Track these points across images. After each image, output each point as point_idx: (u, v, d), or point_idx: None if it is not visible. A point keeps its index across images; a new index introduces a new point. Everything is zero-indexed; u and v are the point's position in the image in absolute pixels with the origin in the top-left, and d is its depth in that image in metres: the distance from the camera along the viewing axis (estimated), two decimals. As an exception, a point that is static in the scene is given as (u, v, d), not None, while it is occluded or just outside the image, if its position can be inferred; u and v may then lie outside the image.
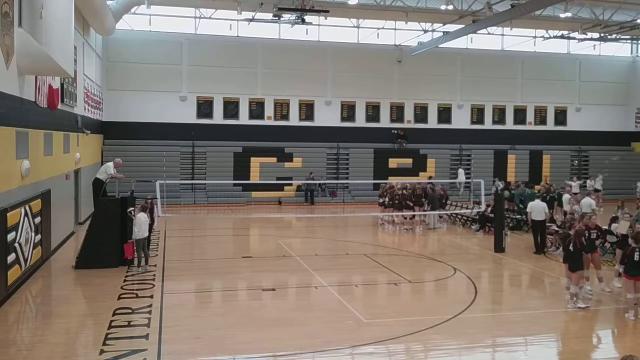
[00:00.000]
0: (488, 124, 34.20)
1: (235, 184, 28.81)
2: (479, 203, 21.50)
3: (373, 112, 32.60)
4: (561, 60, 34.76)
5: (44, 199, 14.27)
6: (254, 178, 29.61)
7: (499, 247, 17.23)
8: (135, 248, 14.30)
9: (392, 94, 32.71)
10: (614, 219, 15.28)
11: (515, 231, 20.60)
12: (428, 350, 9.43)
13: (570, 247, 11.42)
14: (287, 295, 13.12)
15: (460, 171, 31.69)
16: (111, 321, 10.24)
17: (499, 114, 34.38)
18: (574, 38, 31.14)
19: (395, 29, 32.32)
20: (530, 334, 10.20)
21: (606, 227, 14.26)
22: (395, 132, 32.33)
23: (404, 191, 21.91)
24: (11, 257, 11.55)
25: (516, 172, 32.75)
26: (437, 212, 22.00)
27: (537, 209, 17.18)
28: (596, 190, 26.77)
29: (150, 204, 16.09)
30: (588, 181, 28.92)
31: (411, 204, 21.62)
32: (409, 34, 31.97)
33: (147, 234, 14.41)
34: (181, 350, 9.02)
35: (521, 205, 22.14)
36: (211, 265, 15.66)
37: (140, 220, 14.19)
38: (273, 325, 10.21)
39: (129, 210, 14.76)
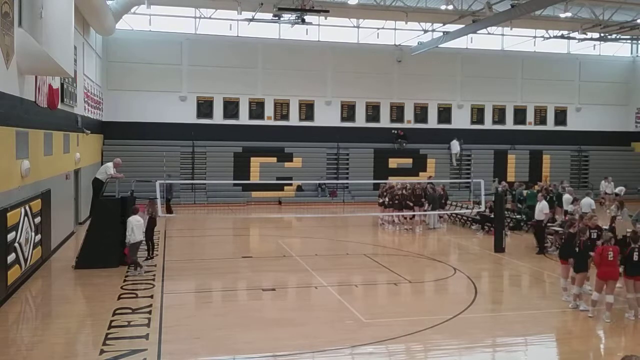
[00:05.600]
0: (488, 124, 34.21)
1: (235, 184, 28.83)
2: (479, 203, 21.50)
3: (373, 112, 32.61)
4: (561, 60, 34.76)
5: (44, 199, 14.27)
6: (254, 178, 29.62)
7: (499, 247, 17.24)
8: (131, 253, 14.01)
9: (392, 94, 32.71)
10: (614, 219, 15.28)
11: (515, 231, 20.61)
12: (428, 350, 9.43)
13: (576, 248, 11.41)
14: (287, 295, 13.13)
15: (454, 142, 31.74)
16: (111, 321, 10.25)
17: (499, 114, 34.38)
18: (574, 38, 31.15)
19: (395, 29, 32.33)
20: (530, 334, 10.21)
21: (606, 227, 14.23)
22: (395, 132, 32.34)
23: (404, 191, 21.92)
24: (11, 257, 11.56)
25: (516, 172, 32.76)
26: (437, 212, 22.01)
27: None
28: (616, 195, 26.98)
29: (150, 205, 16.07)
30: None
31: (411, 204, 21.62)
32: (409, 34, 31.98)
33: (140, 237, 14.03)
34: (181, 350, 9.02)
35: (520, 205, 22.20)
36: (211, 265, 15.66)
37: (132, 223, 13.88)
38: (273, 325, 10.21)
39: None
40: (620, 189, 26.14)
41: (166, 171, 26.33)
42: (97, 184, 16.04)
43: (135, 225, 13.93)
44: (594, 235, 12.94)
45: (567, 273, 11.72)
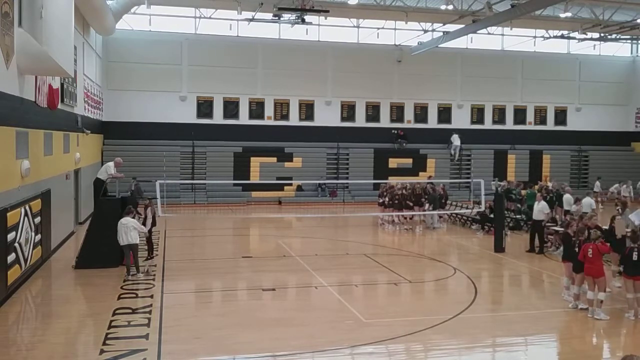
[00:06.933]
0: (488, 124, 34.22)
1: (235, 184, 28.82)
2: (479, 203, 21.50)
3: (373, 112, 32.61)
4: (561, 60, 34.76)
5: (44, 199, 14.27)
6: (254, 178, 29.62)
7: (499, 247, 17.24)
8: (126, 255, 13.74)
9: (392, 94, 32.72)
10: (613, 219, 15.25)
11: (515, 231, 20.61)
12: (428, 350, 9.43)
13: (576, 248, 11.42)
14: (287, 295, 13.13)
15: (455, 136, 31.81)
16: (111, 321, 10.25)
17: (499, 114, 34.39)
18: (574, 38, 31.15)
19: (395, 29, 32.34)
20: (530, 334, 10.21)
21: (606, 227, 14.23)
22: (395, 132, 32.34)
23: (404, 191, 21.91)
24: (11, 257, 11.56)
25: (516, 172, 32.75)
26: (437, 212, 22.02)
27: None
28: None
29: (148, 205, 16.02)
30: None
31: (411, 204, 21.61)
32: (409, 34, 31.98)
33: (129, 241, 13.57)
34: (181, 350, 9.02)
35: (518, 205, 22.22)
36: (211, 265, 15.66)
37: (119, 226, 13.65)
38: (273, 325, 10.21)
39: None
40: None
41: (166, 171, 26.29)
42: (99, 184, 16.02)
43: (120, 228, 13.60)
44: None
45: (569, 272, 11.74)
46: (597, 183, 29.69)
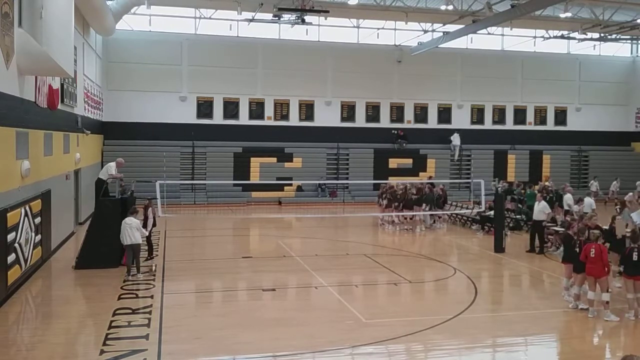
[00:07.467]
0: (488, 124, 34.23)
1: (235, 184, 28.83)
2: (479, 203, 21.50)
3: (373, 112, 32.62)
4: (561, 60, 34.77)
5: (44, 199, 14.27)
6: (254, 178, 29.62)
7: (499, 247, 17.24)
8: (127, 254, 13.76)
9: (392, 94, 32.72)
10: (614, 219, 15.26)
11: (515, 231, 20.60)
12: (428, 350, 9.43)
13: (576, 249, 11.41)
14: (287, 295, 13.12)
15: (455, 135, 31.88)
16: (111, 321, 10.24)
17: (499, 114, 34.40)
18: (574, 38, 31.16)
19: (395, 29, 32.35)
20: (530, 334, 10.20)
21: (606, 227, 14.23)
22: (395, 132, 32.34)
23: (410, 195, 21.83)
24: (11, 257, 11.55)
25: (516, 172, 32.76)
26: (434, 212, 22.01)
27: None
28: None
29: (148, 205, 16.00)
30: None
31: (400, 206, 21.54)
32: (409, 34, 31.99)
33: (132, 240, 13.57)
34: (181, 350, 9.02)
35: (520, 205, 22.22)
36: (211, 265, 15.66)
37: (123, 225, 13.64)
38: (273, 325, 10.21)
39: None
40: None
41: (166, 171, 26.31)
42: (100, 184, 16.02)
43: (123, 228, 13.61)
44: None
45: (569, 273, 11.74)
46: (593, 182, 29.78)
